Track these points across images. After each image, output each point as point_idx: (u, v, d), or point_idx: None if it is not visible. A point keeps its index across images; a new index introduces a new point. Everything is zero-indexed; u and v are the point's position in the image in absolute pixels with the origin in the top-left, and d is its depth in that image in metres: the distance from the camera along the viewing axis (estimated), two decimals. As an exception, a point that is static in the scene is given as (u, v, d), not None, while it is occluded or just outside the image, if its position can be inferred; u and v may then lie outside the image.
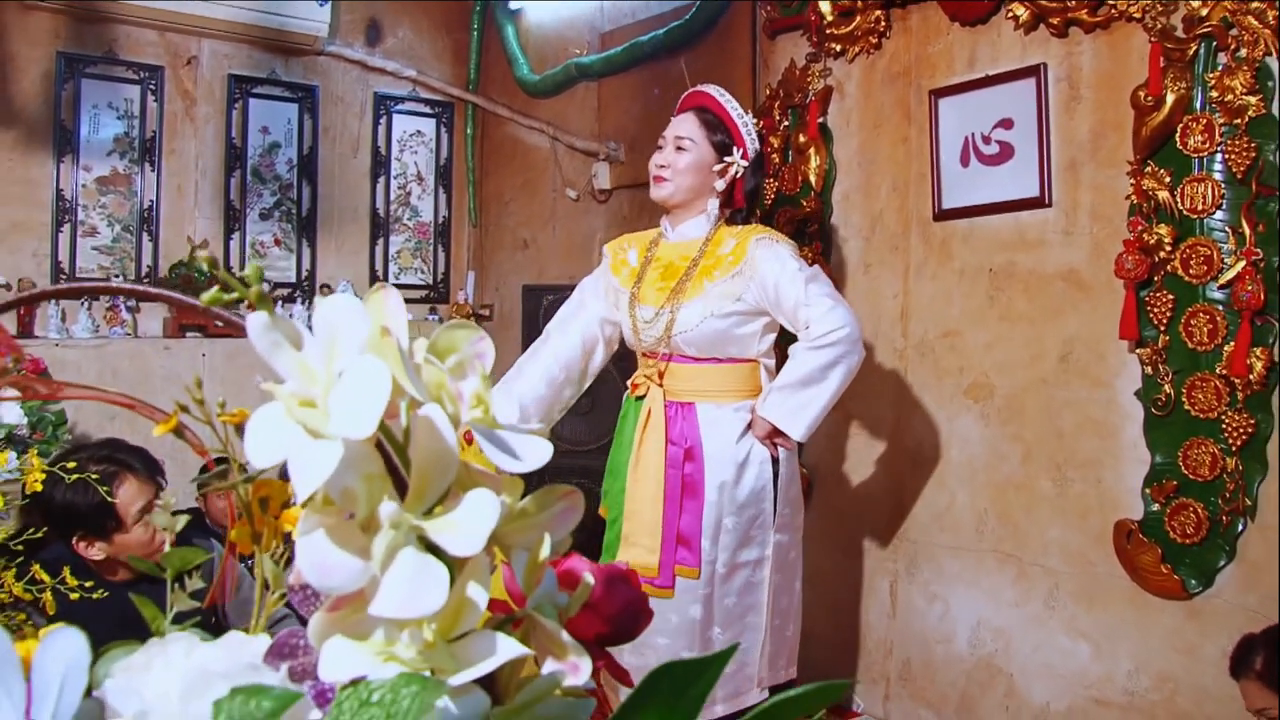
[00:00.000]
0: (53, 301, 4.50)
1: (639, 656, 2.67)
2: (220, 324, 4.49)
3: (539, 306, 4.32)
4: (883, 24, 3.50)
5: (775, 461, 2.75)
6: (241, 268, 4.98)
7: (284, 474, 0.56)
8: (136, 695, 0.51)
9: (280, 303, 5.01)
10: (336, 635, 0.48)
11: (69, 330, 4.50)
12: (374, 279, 5.37)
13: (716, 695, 2.69)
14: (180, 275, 4.69)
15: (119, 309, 4.56)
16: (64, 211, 4.58)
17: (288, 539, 0.59)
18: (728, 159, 2.80)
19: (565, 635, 0.48)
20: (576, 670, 0.48)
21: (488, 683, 0.47)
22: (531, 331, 4.32)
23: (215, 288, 0.48)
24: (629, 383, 2.94)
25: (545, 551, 0.50)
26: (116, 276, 4.61)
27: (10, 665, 0.50)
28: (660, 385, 2.81)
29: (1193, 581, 2.74)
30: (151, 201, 4.75)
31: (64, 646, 0.51)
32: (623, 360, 4.25)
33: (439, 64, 5.51)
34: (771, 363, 2.83)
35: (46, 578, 0.82)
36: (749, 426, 2.73)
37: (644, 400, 2.83)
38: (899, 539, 3.52)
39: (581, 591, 0.51)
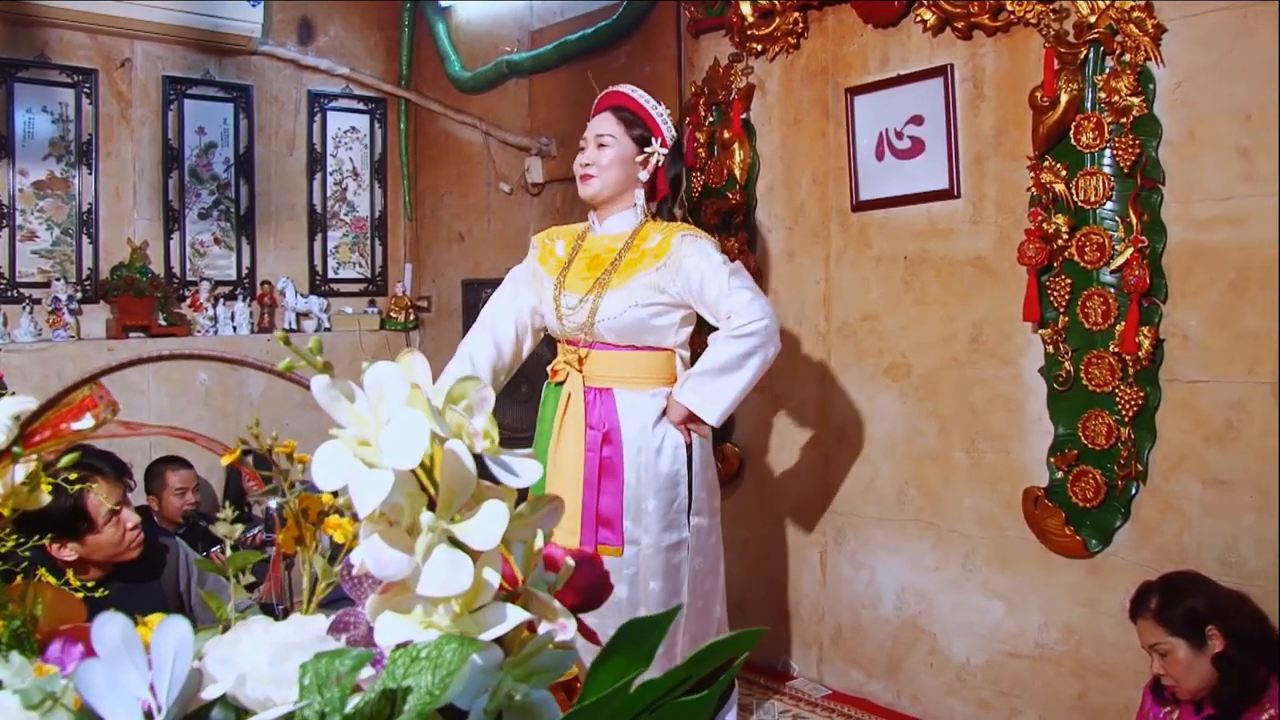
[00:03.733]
0: (-7, 306, 4.55)
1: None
2: (163, 324, 4.56)
3: (478, 300, 4.44)
4: (800, 25, 3.69)
5: (689, 448, 2.85)
6: (183, 268, 5.05)
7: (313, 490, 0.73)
8: (232, 664, 0.67)
9: (222, 301, 5.08)
10: (386, 611, 0.65)
11: (10, 335, 4.55)
12: (314, 274, 5.47)
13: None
14: (122, 277, 4.74)
15: (61, 312, 4.60)
16: (1, 216, 4.62)
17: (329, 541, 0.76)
18: (648, 150, 2.91)
19: (556, 603, 0.66)
20: (565, 629, 0.65)
21: (499, 640, 0.65)
22: (472, 324, 4.45)
23: (288, 359, 0.64)
24: (549, 369, 3.01)
25: (539, 544, 0.67)
26: (58, 280, 4.65)
27: (135, 645, 0.66)
28: (580, 371, 2.88)
29: (1093, 541, 3.00)
30: (90, 204, 4.80)
31: (174, 630, 0.67)
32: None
33: (371, 61, 5.60)
34: (686, 354, 2.94)
35: (52, 580, 0.96)
36: (664, 413, 2.82)
37: (563, 386, 2.91)
38: (827, 511, 3.74)
39: (565, 571, 0.69)
